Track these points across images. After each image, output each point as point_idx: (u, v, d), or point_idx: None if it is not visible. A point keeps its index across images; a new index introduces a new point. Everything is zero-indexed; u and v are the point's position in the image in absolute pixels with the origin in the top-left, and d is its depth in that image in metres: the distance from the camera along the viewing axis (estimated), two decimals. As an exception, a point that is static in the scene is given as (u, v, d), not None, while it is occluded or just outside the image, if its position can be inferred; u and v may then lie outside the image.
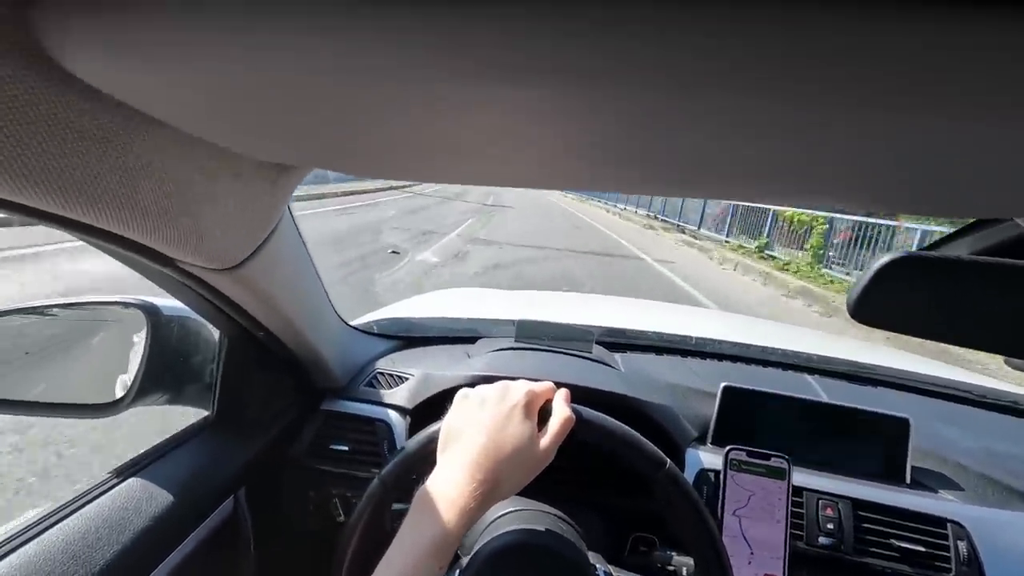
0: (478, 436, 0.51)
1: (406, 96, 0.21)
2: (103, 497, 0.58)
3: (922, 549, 0.72)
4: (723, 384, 0.88)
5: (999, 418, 1.05)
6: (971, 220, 0.49)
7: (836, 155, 0.26)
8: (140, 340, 0.72)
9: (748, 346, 1.15)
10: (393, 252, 6.35)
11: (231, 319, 0.61)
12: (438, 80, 0.19)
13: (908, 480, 0.82)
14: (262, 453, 0.79)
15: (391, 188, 19.08)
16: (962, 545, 0.72)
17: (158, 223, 0.34)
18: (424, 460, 0.58)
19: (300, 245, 0.60)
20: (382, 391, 0.89)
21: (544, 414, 0.55)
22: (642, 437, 0.58)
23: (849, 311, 0.50)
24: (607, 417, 0.58)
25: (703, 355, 1.12)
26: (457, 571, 0.57)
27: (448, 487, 0.48)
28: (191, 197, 0.35)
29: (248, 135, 0.29)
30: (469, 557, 0.58)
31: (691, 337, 1.17)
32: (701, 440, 0.87)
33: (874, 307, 0.49)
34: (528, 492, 0.74)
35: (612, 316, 1.32)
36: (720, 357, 1.13)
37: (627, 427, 0.58)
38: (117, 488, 0.60)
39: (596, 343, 1.08)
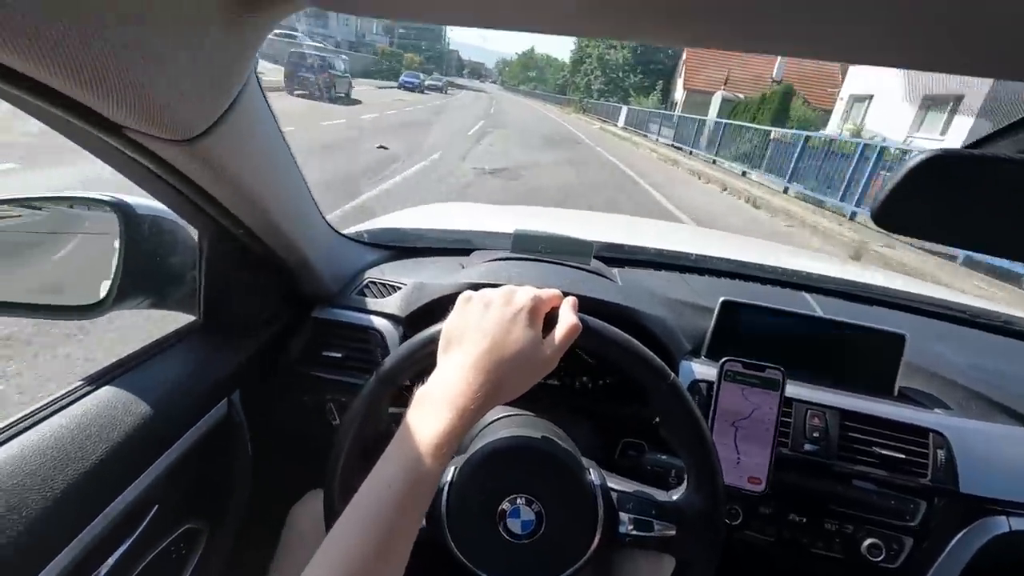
0: (481, 338, 0.49)
1: None
2: (88, 398, 0.57)
3: (902, 456, 0.74)
4: (722, 298, 0.87)
5: (990, 338, 1.06)
6: (1020, 117, 0.45)
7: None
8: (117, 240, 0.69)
9: (746, 264, 1.13)
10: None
11: (206, 215, 0.57)
12: None
13: (896, 393, 0.84)
14: (254, 357, 0.78)
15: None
16: (941, 453, 0.75)
17: (102, 82, 0.29)
18: (422, 361, 0.57)
19: (271, 124, 0.54)
20: (374, 300, 0.87)
21: (549, 321, 0.53)
22: (647, 349, 0.57)
23: (873, 217, 0.46)
24: (613, 327, 0.57)
25: (701, 271, 1.11)
26: (452, 470, 0.58)
27: (449, 387, 0.47)
28: (140, 50, 0.29)
29: None
30: (465, 458, 0.59)
31: (690, 254, 1.14)
32: (695, 353, 0.88)
33: (902, 211, 0.45)
34: (519, 400, 0.75)
35: (610, 232, 1.28)
36: (718, 274, 1.11)
37: (632, 338, 0.57)
38: (103, 390, 0.58)
39: (595, 257, 1.06)
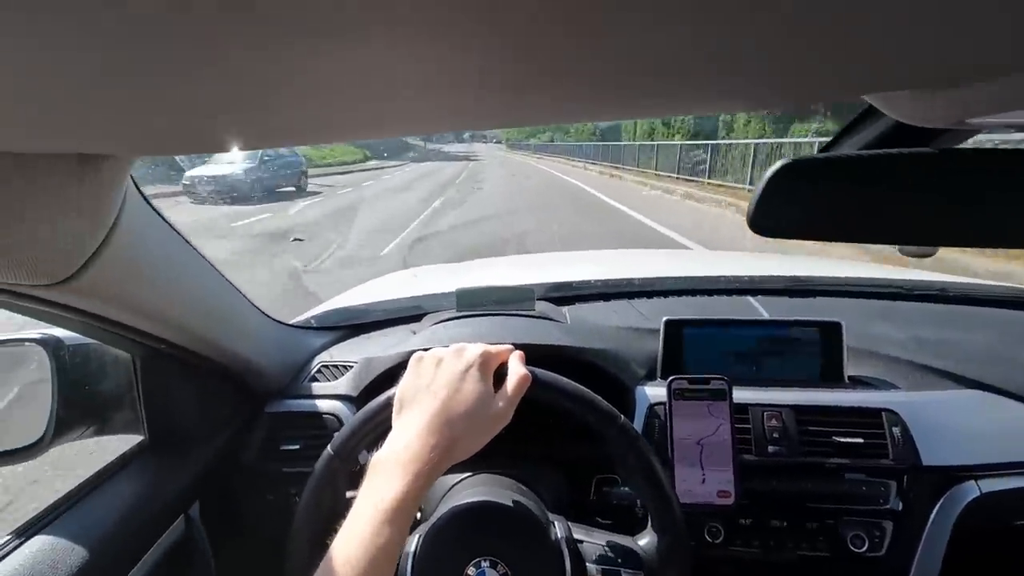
0: (433, 398, 0.50)
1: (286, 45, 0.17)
2: (14, 555, 0.54)
3: (860, 440, 0.76)
4: (664, 318, 0.90)
5: (926, 307, 1.10)
6: (852, 119, 0.50)
7: (709, 58, 0.24)
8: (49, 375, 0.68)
9: (690, 278, 1.17)
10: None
11: (128, 338, 0.57)
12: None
13: (846, 380, 0.86)
14: (210, 466, 0.77)
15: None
16: (896, 430, 0.76)
17: None
18: (376, 429, 0.57)
19: (166, 237, 0.55)
20: (326, 384, 0.87)
21: (500, 375, 0.54)
22: (595, 395, 0.58)
23: (749, 224, 0.50)
24: (561, 377, 0.58)
25: (649, 294, 1.14)
26: (417, 536, 0.57)
27: (402, 451, 0.47)
28: None
29: (30, 125, 0.25)
30: (430, 522, 0.59)
31: (635, 279, 1.18)
32: (651, 376, 0.89)
33: (773, 217, 0.49)
34: (488, 455, 0.75)
35: (558, 271, 1.31)
36: (665, 294, 1.14)
37: (580, 385, 0.58)
38: (33, 541, 0.56)
39: (543, 299, 1.08)
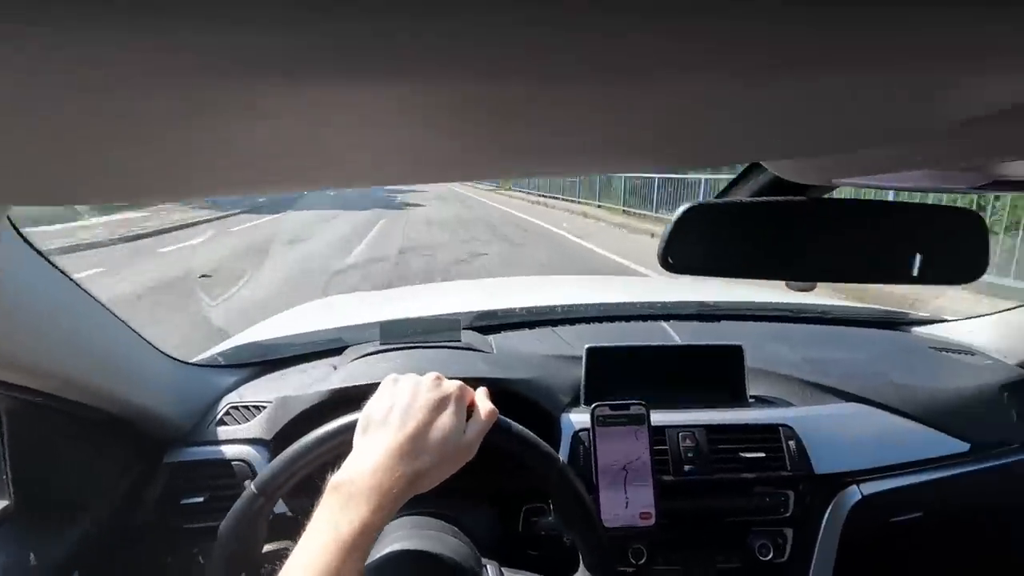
0: (408, 422, 0.48)
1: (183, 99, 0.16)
2: None
3: (763, 455, 0.83)
4: (586, 346, 0.93)
5: (812, 328, 1.23)
6: (743, 170, 0.56)
7: (641, 124, 0.26)
8: None
9: (610, 305, 1.23)
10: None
11: None
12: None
13: (749, 399, 0.93)
14: (93, 529, 0.68)
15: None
16: (792, 444, 0.84)
17: None
18: (308, 468, 0.54)
19: (54, 285, 0.49)
20: (235, 427, 0.80)
21: (468, 410, 0.54)
22: (537, 437, 0.59)
23: (661, 263, 0.54)
24: (509, 420, 0.59)
25: (571, 321, 1.17)
26: None
27: (368, 474, 0.44)
28: None
29: None
30: None
31: (558, 307, 1.21)
32: (575, 403, 0.91)
33: (680, 256, 0.53)
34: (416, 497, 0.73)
35: (483, 298, 1.32)
36: (588, 320, 1.18)
37: (525, 428, 0.59)
38: None
39: (469, 328, 1.08)
